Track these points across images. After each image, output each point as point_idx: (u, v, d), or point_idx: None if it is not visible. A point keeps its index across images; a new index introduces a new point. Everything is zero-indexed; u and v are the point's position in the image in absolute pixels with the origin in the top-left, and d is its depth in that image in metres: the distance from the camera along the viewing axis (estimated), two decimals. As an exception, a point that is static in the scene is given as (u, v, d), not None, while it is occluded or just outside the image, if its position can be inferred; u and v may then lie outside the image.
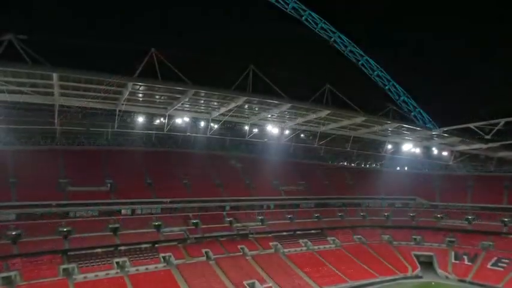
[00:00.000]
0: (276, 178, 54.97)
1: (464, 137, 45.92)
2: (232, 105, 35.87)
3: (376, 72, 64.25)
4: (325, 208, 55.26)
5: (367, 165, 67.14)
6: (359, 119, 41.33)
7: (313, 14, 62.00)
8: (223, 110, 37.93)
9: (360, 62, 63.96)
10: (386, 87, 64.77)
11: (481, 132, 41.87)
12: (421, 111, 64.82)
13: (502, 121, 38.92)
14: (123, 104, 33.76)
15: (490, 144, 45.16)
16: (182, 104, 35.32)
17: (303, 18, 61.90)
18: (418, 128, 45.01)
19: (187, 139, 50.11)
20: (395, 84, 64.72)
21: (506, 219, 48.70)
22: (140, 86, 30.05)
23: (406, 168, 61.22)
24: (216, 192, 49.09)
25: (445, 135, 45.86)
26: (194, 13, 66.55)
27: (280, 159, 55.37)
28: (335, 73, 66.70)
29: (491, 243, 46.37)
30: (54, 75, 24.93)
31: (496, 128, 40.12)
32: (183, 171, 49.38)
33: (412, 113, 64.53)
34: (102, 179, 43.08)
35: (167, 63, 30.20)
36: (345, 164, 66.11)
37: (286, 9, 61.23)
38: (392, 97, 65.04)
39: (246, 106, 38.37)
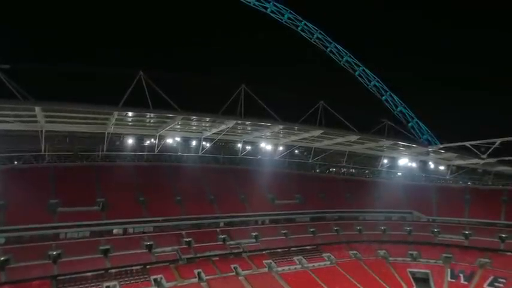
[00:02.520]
0: (271, 191, 54.43)
1: (461, 154, 45.39)
2: (223, 127, 35.40)
3: (372, 83, 63.54)
4: (320, 222, 54.71)
5: (365, 173, 66.41)
6: (353, 137, 40.86)
7: (308, 24, 61.45)
8: (214, 130, 37.51)
9: (356, 73, 63.27)
10: (384, 98, 64.06)
11: (477, 151, 41.33)
12: (419, 121, 64.09)
13: (498, 140, 38.41)
14: (111, 127, 33.29)
15: (487, 160, 44.62)
16: (173, 125, 34.91)
17: (299, 28, 61.28)
18: (414, 145, 44.42)
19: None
20: (392, 94, 64.03)
21: (503, 235, 48.08)
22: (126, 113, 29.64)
23: (403, 179, 60.31)
24: (210, 209, 48.59)
25: (441, 151, 45.37)
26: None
27: (275, 170, 54.89)
28: (331, 84, 66.47)
29: (488, 260, 45.77)
30: (37, 108, 24.45)
31: (493, 146, 39.59)
32: (176, 186, 48.82)
33: (410, 124, 63.91)
34: (93, 198, 42.56)
35: (156, 88, 29.89)
36: (342, 171, 65.31)
37: (282, 19, 60.71)
38: (390, 107, 64.45)
39: (239, 126, 37.94)
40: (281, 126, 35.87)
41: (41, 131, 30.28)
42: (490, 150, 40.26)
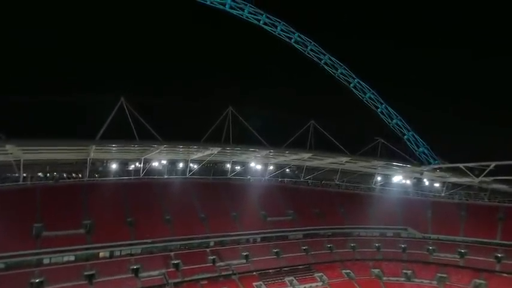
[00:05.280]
0: (263, 208, 53.39)
1: (456, 173, 44.49)
2: (208, 152, 34.55)
3: (368, 95, 62.29)
4: (313, 239, 53.61)
5: (360, 186, 65.14)
6: (343, 159, 40.00)
7: (302, 36, 60.33)
8: (200, 154, 36.68)
9: (351, 85, 62.12)
10: (379, 110, 62.86)
11: (470, 174, 40.39)
12: (415, 134, 62.97)
13: (493, 164, 37.48)
14: (92, 154, 32.45)
15: (482, 179, 43.69)
16: (158, 151, 34.09)
17: (292, 40, 60.15)
18: (408, 165, 43.50)
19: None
20: (387, 106, 62.89)
21: (499, 255, 47.03)
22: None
23: (398, 193, 59.01)
24: (200, 228, 47.56)
25: (436, 170, 44.47)
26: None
27: (267, 184, 53.95)
28: (325, 96, 65.48)
29: (483, 281, 44.70)
30: (8, 146, 23.59)
31: (488, 169, 38.66)
32: (165, 204, 47.74)
33: (405, 136, 62.76)
34: (79, 219, 41.53)
35: (138, 117, 29.07)
36: (336, 182, 64.00)
37: (275, 31, 59.60)
38: (385, 120, 63.30)
39: (227, 150, 37.05)
40: (267, 151, 35.03)
41: (18, 160, 29.36)
42: (485, 173, 39.38)
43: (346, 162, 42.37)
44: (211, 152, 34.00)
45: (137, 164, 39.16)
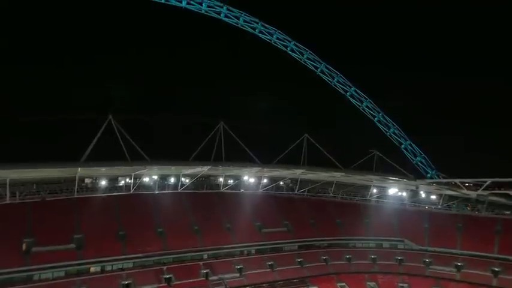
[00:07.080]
0: (258, 219, 52.89)
1: (452, 187, 43.94)
2: (198, 169, 34.06)
3: (364, 103, 61.67)
4: (309, 250, 53.01)
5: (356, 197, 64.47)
6: (337, 174, 39.48)
7: (298, 44, 59.73)
8: (191, 170, 36.19)
9: (348, 93, 61.51)
10: (376, 119, 62.26)
11: (466, 190, 39.83)
12: (412, 143, 62.32)
13: (489, 180, 36.95)
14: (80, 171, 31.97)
15: (479, 192, 43.21)
16: (149, 168, 33.62)
17: (288, 49, 59.56)
18: (404, 179, 42.93)
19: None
20: (385, 115, 62.28)
21: (497, 269, 46.37)
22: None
23: (394, 204, 58.24)
24: (194, 241, 47.08)
25: (432, 184, 43.93)
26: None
27: (263, 194, 53.41)
28: (321, 106, 64.90)
29: (479, 297, 44.19)
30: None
31: (484, 185, 38.15)
32: (158, 217, 47.27)
33: (403, 146, 62.07)
34: (70, 234, 41.17)
35: (127, 136, 28.59)
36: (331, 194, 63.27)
37: (271, 40, 59.03)
38: (382, 128, 62.63)
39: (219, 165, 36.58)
40: (258, 168, 34.53)
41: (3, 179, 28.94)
42: (482, 188, 38.86)
43: (340, 176, 41.82)
44: (201, 169, 33.47)
45: (127, 179, 38.68)
